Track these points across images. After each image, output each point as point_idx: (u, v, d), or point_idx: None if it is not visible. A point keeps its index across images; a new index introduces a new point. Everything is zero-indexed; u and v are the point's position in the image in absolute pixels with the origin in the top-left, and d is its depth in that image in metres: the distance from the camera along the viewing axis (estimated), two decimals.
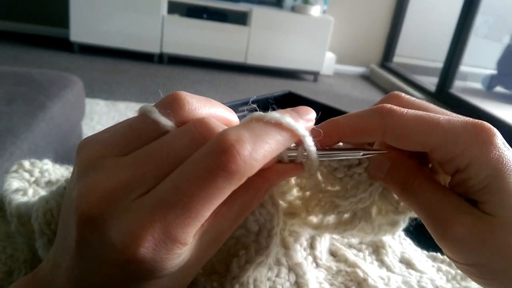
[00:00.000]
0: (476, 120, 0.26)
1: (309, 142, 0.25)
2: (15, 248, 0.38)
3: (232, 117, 0.26)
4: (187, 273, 0.23)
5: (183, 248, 0.20)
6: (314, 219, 0.33)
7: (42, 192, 0.38)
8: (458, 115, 0.27)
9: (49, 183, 0.44)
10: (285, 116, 0.23)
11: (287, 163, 0.25)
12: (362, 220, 0.32)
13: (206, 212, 0.20)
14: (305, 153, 0.25)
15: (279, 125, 0.23)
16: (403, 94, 0.29)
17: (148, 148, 0.22)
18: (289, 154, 0.25)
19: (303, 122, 0.25)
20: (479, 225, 0.25)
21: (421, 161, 0.29)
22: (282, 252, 0.34)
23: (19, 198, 0.35)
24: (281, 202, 0.32)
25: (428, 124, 0.25)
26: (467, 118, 0.26)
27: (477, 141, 0.25)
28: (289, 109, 0.25)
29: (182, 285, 0.24)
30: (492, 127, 0.25)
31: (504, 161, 0.24)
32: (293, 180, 0.32)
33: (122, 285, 0.21)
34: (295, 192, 0.32)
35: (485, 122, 0.25)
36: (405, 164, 0.28)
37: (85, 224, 0.20)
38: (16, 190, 0.37)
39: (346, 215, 0.32)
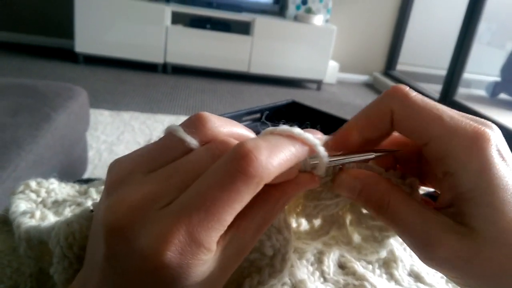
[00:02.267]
0: (481, 124, 0.25)
1: (321, 149, 0.25)
2: (20, 262, 0.38)
3: (252, 135, 0.27)
4: (210, 287, 0.23)
5: (208, 255, 0.21)
6: (293, 223, 0.33)
7: (49, 214, 0.39)
8: (469, 116, 0.26)
9: (55, 202, 0.44)
10: (295, 128, 0.24)
11: (301, 174, 0.26)
12: (334, 227, 0.31)
13: (228, 216, 0.21)
14: (316, 162, 0.26)
15: (291, 137, 0.24)
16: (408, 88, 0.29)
17: (174, 165, 0.23)
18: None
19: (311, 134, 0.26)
20: (463, 244, 0.24)
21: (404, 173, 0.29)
22: None
23: (28, 222, 0.35)
24: None
25: (431, 113, 0.25)
26: (474, 121, 0.25)
27: (471, 146, 0.24)
28: None
29: None
30: (491, 135, 0.24)
31: (496, 174, 0.23)
32: None
33: None
34: None
35: (489, 129, 0.25)
36: (379, 183, 0.27)
37: (113, 236, 0.21)
38: (24, 213, 0.38)
39: (317, 222, 0.32)
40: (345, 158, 0.27)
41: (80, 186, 0.50)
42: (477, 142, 0.24)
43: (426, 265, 0.26)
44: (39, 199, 0.43)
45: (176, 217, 0.20)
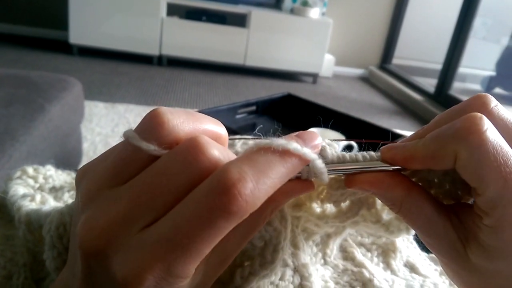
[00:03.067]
0: None
1: (319, 165, 0.24)
2: (14, 251, 0.37)
3: (220, 130, 0.25)
4: None
5: (185, 281, 0.21)
6: (317, 208, 0.32)
7: (50, 199, 0.38)
8: None
9: (53, 189, 0.44)
10: (292, 142, 0.22)
11: (293, 181, 0.24)
12: (363, 208, 0.31)
13: (207, 250, 0.20)
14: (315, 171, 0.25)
15: (284, 155, 0.22)
16: (493, 104, 0.25)
17: (141, 177, 0.21)
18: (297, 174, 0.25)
19: (309, 148, 0.24)
20: (454, 261, 0.26)
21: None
22: (290, 252, 0.34)
23: (28, 205, 0.35)
24: None
25: (498, 171, 0.22)
26: None
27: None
28: (293, 134, 0.24)
29: None
30: None
31: None
32: None
33: None
34: None
35: None
36: (399, 184, 0.26)
37: (89, 257, 0.21)
38: (24, 196, 0.37)
39: (343, 204, 0.31)
40: (344, 169, 0.26)
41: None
42: None
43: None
44: (37, 185, 0.43)
45: (150, 252, 0.19)
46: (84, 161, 1.86)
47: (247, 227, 0.23)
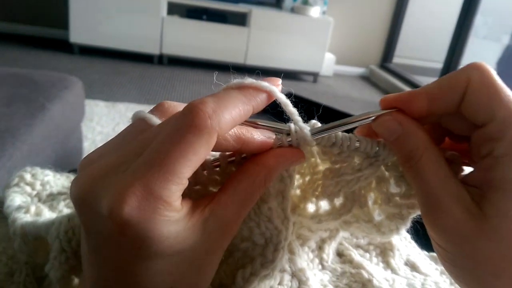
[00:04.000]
0: None
1: (279, 95, 0.26)
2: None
3: None
4: (195, 268, 0.23)
5: (171, 211, 0.21)
6: (311, 208, 0.33)
7: (45, 209, 0.38)
8: None
9: (50, 195, 0.44)
10: (249, 79, 0.26)
11: (284, 148, 0.26)
12: (356, 204, 0.31)
13: (184, 169, 0.21)
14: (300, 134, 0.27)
15: (241, 88, 0.25)
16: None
17: (137, 138, 0.24)
18: (288, 140, 0.27)
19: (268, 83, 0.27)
20: (467, 223, 0.24)
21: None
22: (287, 257, 0.34)
23: (23, 217, 0.35)
24: None
25: (506, 94, 0.24)
26: None
27: None
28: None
29: (192, 284, 0.24)
30: None
31: None
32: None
33: (127, 266, 0.21)
34: (295, 180, 0.32)
35: None
36: (417, 136, 0.26)
37: (79, 205, 0.22)
38: (19, 208, 0.37)
39: (337, 200, 0.32)
40: (328, 129, 0.27)
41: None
42: None
43: (428, 230, 0.26)
44: (34, 192, 0.43)
45: (131, 176, 0.21)
46: None
47: (243, 192, 0.25)
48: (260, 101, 0.26)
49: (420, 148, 0.26)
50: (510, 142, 0.23)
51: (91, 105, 2.48)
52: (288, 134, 0.27)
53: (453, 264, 0.26)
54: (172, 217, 0.21)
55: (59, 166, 0.49)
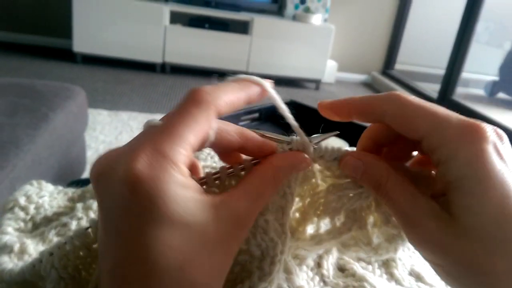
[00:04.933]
0: (477, 122, 0.25)
1: (270, 90, 0.30)
2: None
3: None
4: (207, 253, 0.23)
5: (177, 171, 0.23)
6: (310, 229, 0.33)
7: (31, 245, 0.39)
8: (464, 117, 0.27)
9: (44, 219, 0.44)
10: (243, 75, 0.29)
11: (289, 151, 0.29)
12: (356, 224, 0.32)
13: (188, 134, 0.24)
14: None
15: (237, 80, 0.29)
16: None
17: None
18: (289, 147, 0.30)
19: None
20: (441, 230, 0.25)
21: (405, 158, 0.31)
22: (284, 277, 0.34)
23: (6, 261, 0.35)
24: None
25: (425, 109, 0.27)
26: (469, 119, 0.26)
27: (464, 138, 0.25)
28: None
29: (205, 273, 0.23)
30: (489, 131, 0.25)
31: (486, 167, 0.24)
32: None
33: (139, 237, 0.22)
34: (295, 203, 0.32)
35: (485, 126, 0.25)
36: (379, 166, 0.29)
37: (98, 181, 0.23)
38: (4, 247, 0.38)
39: (338, 220, 0.32)
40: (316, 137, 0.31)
41: (73, 193, 0.50)
42: (470, 133, 0.25)
43: (411, 244, 0.28)
44: (28, 217, 0.44)
45: (143, 142, 0.23)
46: (88, 169, 1.86)
47: (253, 191, 0.27)
48: (253, 92, 0.29)
49: (383, 176, 0.28)
50: (446, 147, 0.25)
51: (94, 114, 2.49)
52: (289, 143, 0.30)
53: (447, 274, 0.26)
54: (180, 179, 0.23)
55: (62, 175, 0.50)
